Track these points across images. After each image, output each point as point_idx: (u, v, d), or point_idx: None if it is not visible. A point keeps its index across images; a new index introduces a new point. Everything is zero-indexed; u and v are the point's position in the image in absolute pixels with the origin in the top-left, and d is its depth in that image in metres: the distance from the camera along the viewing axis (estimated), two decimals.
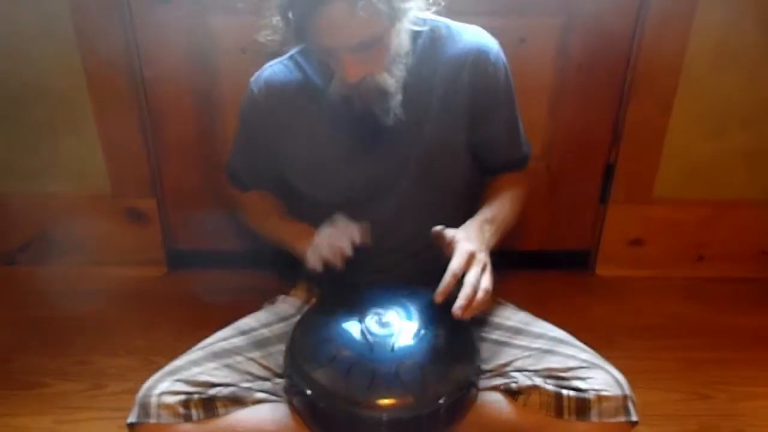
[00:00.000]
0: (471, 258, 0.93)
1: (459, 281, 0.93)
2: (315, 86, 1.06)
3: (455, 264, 0.92)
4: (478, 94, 1.07)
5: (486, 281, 0.92)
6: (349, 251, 0.97)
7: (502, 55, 1.08)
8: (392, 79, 0.98)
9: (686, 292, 1.68)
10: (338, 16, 0.87)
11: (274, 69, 1.11)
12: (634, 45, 1.49)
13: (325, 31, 0.90)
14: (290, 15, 0.91)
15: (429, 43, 1.06)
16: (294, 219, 1.16)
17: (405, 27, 0.97)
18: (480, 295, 0.90)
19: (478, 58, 1.06)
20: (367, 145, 1.07)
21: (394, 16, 0.92)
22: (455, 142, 1.09)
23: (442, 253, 0.98)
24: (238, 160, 1.22)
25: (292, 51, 1.10)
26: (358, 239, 0.99)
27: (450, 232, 0.97)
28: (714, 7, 1.43)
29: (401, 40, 0.98)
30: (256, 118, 1.12)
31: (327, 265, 0.98)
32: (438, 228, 0.97)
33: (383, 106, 1.00)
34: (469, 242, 0.95)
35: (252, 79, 1.12)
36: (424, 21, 1.04)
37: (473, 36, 1.07)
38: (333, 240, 0.99)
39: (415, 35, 1.04)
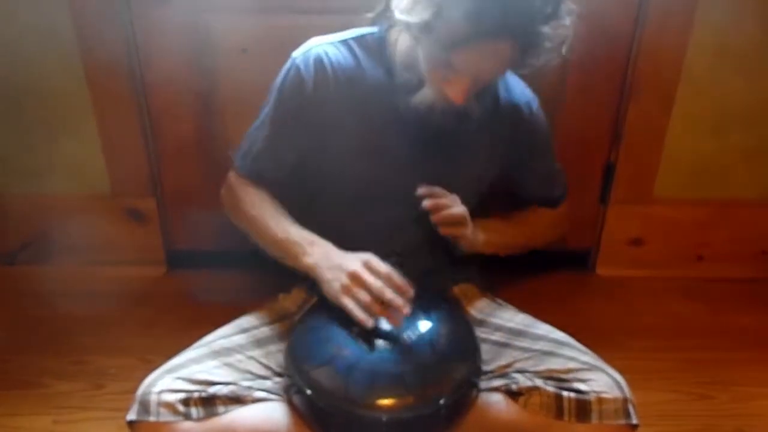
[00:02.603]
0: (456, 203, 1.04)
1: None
2: (368, 79, 1.03)
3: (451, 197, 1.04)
4: (519, 140, 1.13)
5: (461, 208, 1.04)
6: (391, 301, 0.90)
7: (540, 108, 1.16)
8: (477, 107, 1.00)
9: (686, 292, 1.68)
10: (495, 52, 0.87)
11: (325, 50, 1.04)
12: (634, 45, 1.49)
13: (474, 57, 0.88)
14: (455, 23, 0.84)
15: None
16: (300, 226, 1.07)
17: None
18: (456, 209, 1.02)
19: (524, 108, 1.12)
20: (411, 151, 1.06)
21: (528, 61, 0.91)
22: (484, 176, 1.15)
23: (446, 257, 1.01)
24: (261, 143, 1.10)
25: (344, 36, 1.07)
26: (406, 291, 0.92)
27: (441, 192, 1.05)
28: (714, 7, 1.43)
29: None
30: (298, 96, 1.05)
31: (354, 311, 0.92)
32: (422, 189, 1.04)
33: (458, 128, 1.02)
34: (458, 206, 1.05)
35: (297, 55, 1.05)
36: None
37: (521, 87, 1.13)
38: (374, 286, 0.91)
39: None
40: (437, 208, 1.02)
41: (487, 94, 1.04)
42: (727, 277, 1.72)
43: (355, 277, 0.92)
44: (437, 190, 1.04)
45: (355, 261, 0.94)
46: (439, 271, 1.14)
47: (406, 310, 0.90)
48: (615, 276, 1.73)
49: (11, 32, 1.47)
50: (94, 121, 1.56)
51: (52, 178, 1.64)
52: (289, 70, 1.05)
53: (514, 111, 1.10)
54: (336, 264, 0.96)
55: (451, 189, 1.09)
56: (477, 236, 1.09)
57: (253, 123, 1.13)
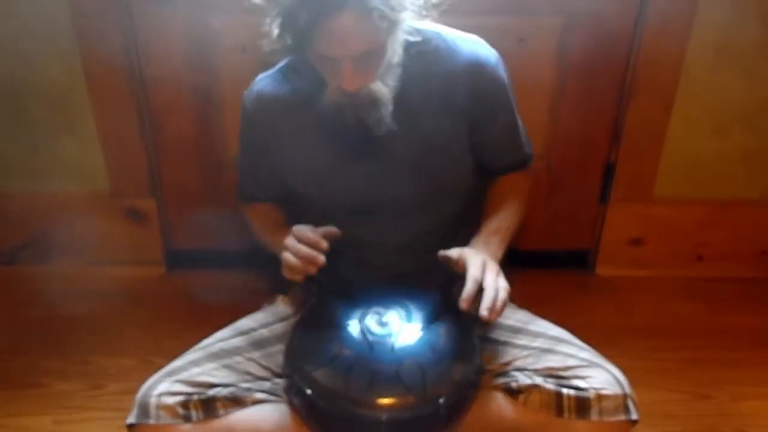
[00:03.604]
0: (484, 265, 0.95)
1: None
2: (304, 97, 1.05)
3: (473, 271, 0.94)
4: (476, 105, 1.07)
5: (503, 281, 0.95)
6: (320, 258, 0.95)
7: (500, 65, 1.08)
8: (386, 89, 0.98)
9: (686, 292, 1.68)
10: (346, 26, 0.87)
11: (264, 83, 1.11)
12: (634, 45, 1.49)
13: (331, 40, 0.89)
14: (295, 22, 0.89)
15: (424, 55, 1.04)
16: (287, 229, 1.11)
17: (400, 37, 0.96)
18: (502, 294, 0.93)
19: (476, 71, 1.05)
20: (359, 153, 1.06)
21: (393, 25, 0.91)
22: (454, 150, 1.09)
23: (450, 270, 1.00)
24: (242, 173, 1.23)
25: (280, 64, 1.11)
26: (323, 244, 0.97)
27: (456, 251, 1.00)
28: (714, 7, 1.43)
29: (395, 49, 0.97)
30: (251, 131, 1.14)
31: (306, 277, 0.97)
32: (442, 253, 1.00)
33: (375, 116, 0.99)
34: (478, 254, 0.98)
35: (245, 93, 1.13)
36: (419, 31, 1.02)
37: (470, 48, 1.06)
38: (300, 251, 0.97)
39: (409, 46, 1.02)
40: (494, 312, 0.93)
41: (393, 72, 0.99)
42: (727, 277, 1.72)
43: (287, 247, 0.98)
44: (469, 290, 0.94)
45: (287, 239, 0.99)
46: (437, 270, 1.13)
47: (321, 259, 0.94)
48: (615, 276, 1.73)
49: (11, 32, 1.47)
50: (93, 121, 1.56)
51: (52, 177, 1.64)
52: (241, 109, 1.14)
53: (460, 74, 1.05)
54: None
55: (426, 174, 1.08)
56: (498, 256, 1.06)
57: (236, 158, 1.23)
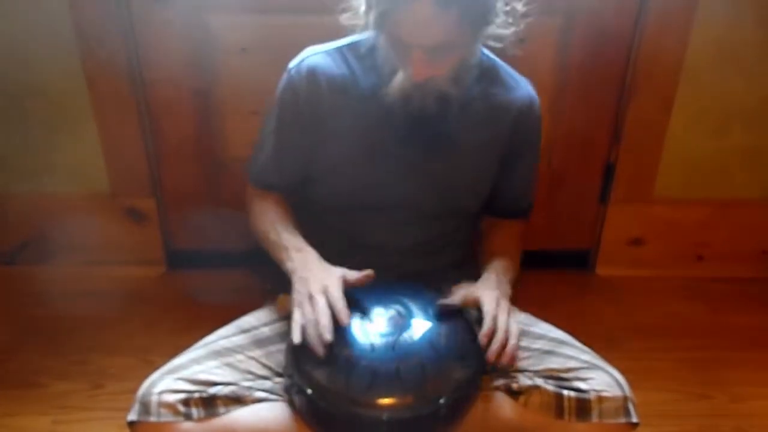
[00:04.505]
0: (498, 303, 0.96)
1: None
2: (361, 85, 1.04)
3: (489, 308, 0.95)
4: (515, 141, 1.11)
5: (515, 328, 0.96)
6: (327, 338, 0.89)
7: (541, 110, 1.13)
8: (456, 89, 0.99)
9: (686, 292, 1.68)
10: (426, 14, 0.87)
11: (318, 59, 1.06)
12: (634, 45, 1.49)
13: (408, 25, 0.89)
14: (377, 1, 0.90)
15: (488, 77, 1.08)
16: (297, 234, 1.08)
17: (480, 42, 0.98)
18: (512, 341, 0.94)
19: (527, 109, 1.10)
20: (403, 146, 1.06)
21: (479, 29, 0.93)
22: (483, 174, 1.13)
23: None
24: (264, 154, 1.13)
25: (339, 44, 1.08)
26: (346, 320, 0.91)
27: (470, 289, 1.00)
28: (714, 7, 1.43)
29: (475, 54, 1.00)
30: (294, 106, 1.07)
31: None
32: (455, 297, 1.00)
33: (440, 112, 1.00)
34: (493, 291, 0.99)
35: (291, 65, 1.07)
36: (488, 56, 1.08)
37: (527, 86, 1.12)
38: (319, 311, 0.91)
39: (481, 63, 1.06)
40: (506, 356, 0.94)
41: (466, 75, 1.01)
42: (727, 277, 1.72)
43: (311, 299, 0.93)
44: (488, 327, 0.95)
45: (318, 284, 0.94)
46: (440, 270, 1.14)
47: (328, 337, 0.89)
48: (615, 276, 1.73)
49: (11, 32, 1.47)
50: (93, 121, 1.56)
51: (52, 177, 1.64)
52: (284, 81, 1.08)
53: (515, 109, 1.09)
54: (306, 277, 0.97)
55: (451, 191, 1.10)
56: (509, 295, 1.06)
57: (259, 134, 1.15)
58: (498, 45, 0.99)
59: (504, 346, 0.93)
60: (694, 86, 1.52)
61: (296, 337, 0.91)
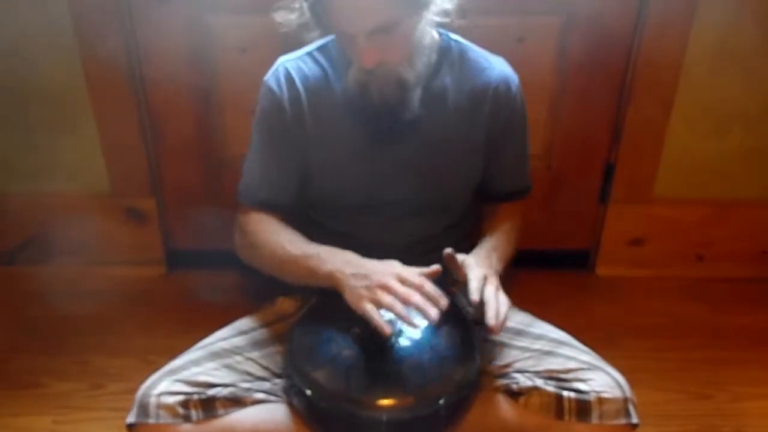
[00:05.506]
0: (484, 279, 0.96)
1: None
2: (336, 87, 1.05)
3: (474, 284, 0.94)
4: (497, 122, 1.10)
5: (503, 296, 0.96)
6: (446, 301, 0.88)
7: (520, 87, 1.12)
8: (412, 72, 0.98)
9: (686, 292, 1.68)
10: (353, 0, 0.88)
11: (291, 64, 1.07)
12: (634, 45, 1.49)
13: (342, 14, 0.89)
14: None
15: (457, 61, 1.07)
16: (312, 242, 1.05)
17: (427, 20, 0.97)
18: (502, 309, 0.93)
19: (503, 88, 1.09)
20: (383, 142, 1.06)
21: (414, 5, 0.92)
22: (470, 162, 1.11)
23: (448, 271, 0.99)
24: (258, 172, 1.11)
25: (308, 48, 1.09)
26: (438, 301, 0.89)
27: (461, 256, 0.99)
28: (714, 8, 1.43)
29: (422, 33, 0.98)
30: (274, 116, 1.06)
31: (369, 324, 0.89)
32: (449, 251, 0.98)
33: (401, 99, 0.99)
34: (479, 266, 0.98)
35: (267, 77, 1.07)
36: (450, 37, 1.07)
37: (501, 65, 1.10)
38: (401, 291, 0.88)
39: (445, 48, 1.06)
40: (500, 323, 0.94)
41: (420, 57, 0.99)
42: (727, 277, 1.72)
43: (384, 287, 0.90)
44: (474, 300, 0.94)
45: (386, 274, 0.91)
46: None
47: (434, 317, 0.87)
48: (615, 276, 1.73)
49: (11, 32, 1.47)
50: (93, 121, 1.56)
51: (52, 177, 1.64)
52: (263, 93, 1.07)
53: (491, 89, 1.07)
54: (362, 272, 0.93)
55: (439, 184, 1.09)
56: (498, 270, 1.05)
57: (247, 155, 1.13)
58: (446, 19, 0.98)
59: (498, 314, 0.92)
60: (694, 86, 1.52)
61: (387, 328, 0.87)
